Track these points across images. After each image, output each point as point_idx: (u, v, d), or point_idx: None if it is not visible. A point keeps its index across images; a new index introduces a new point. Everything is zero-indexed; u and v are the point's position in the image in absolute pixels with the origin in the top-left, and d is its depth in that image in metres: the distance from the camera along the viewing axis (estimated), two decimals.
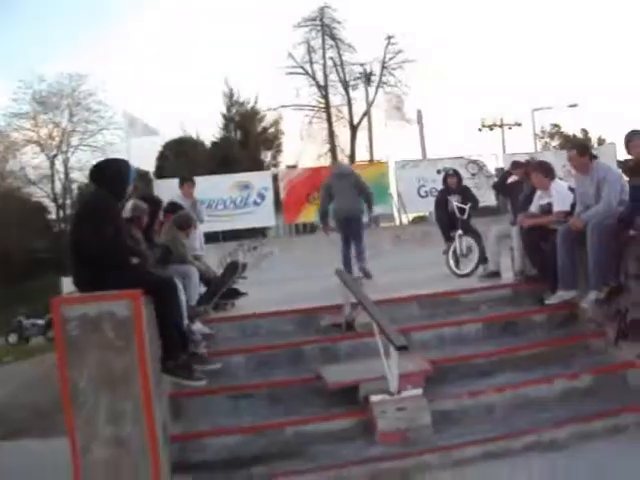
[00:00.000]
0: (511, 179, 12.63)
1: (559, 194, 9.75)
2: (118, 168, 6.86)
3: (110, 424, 5.96)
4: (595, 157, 9.01)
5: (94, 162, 7.52)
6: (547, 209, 9.86)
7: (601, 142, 48.89)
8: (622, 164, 10.57)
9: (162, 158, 42.34)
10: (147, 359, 6.11)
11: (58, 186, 51.27)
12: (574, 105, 47.98)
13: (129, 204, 8.47)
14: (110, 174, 6.75)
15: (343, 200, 13.43)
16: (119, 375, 5.98)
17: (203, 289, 10.41)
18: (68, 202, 50.05)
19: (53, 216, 51.57)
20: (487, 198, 20.26)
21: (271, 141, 49.73)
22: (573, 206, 9.32)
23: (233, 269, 11.63)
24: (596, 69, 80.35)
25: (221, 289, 10.61)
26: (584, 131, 58.51)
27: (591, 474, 6.41)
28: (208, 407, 7.76)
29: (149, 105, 63.81)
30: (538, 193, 10.13)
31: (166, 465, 6.48)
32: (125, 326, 6.01)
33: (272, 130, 49.84)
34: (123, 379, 5.99)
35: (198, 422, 7.61)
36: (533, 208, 10.16)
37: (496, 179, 18.20)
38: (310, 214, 21.40)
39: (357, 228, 13.65)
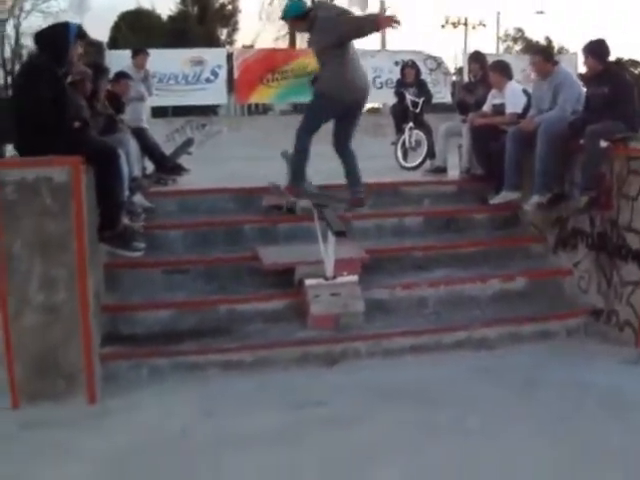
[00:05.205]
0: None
1: (513, 96, 9.69)
2: (55, 29, 6.68)
3: (43, 290, 5.94)
4: (557, 62, 8.93)
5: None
6: (500, 110, 9.82)
7: (561, 51, 48.78)
8: (581, 76, 10.50)
9: (116, 29, 41.05)
10: (84, 227, 6.04)
11: (7, 51, 49.64)
12: (541, 12, 47.89)
13: None
14: (48, 36, 6.57)
15: None
16: (54, 241, 5.93)
17: (148, 163, 10.35)
18: (17, 68, 48.42)
19: (1, 81, 50.03)
20: (443, 95, 20.25)
21: (228, 18, 48.22)
22: (526, 110, 9.29)
23: (185, 145, 11.50)
24: None
25: (169, 163, 10.48)
26: (547, 39, 58.19)
27: (518, 375, 6.55)
28: (143, 280, 7.72)
29: None
30: (492, 92, 10.06)
31: (97, 335, 6.51)
32: (63, 192, 5.92)
33: (230, 7, 48.41)
34: (58, 246, 5.93)
35: (131, 294, 7.57)
36: (486, 107, 10.12)
37: (454, 78, 17.92)
38: (263, 96, 21.21)
39: None
